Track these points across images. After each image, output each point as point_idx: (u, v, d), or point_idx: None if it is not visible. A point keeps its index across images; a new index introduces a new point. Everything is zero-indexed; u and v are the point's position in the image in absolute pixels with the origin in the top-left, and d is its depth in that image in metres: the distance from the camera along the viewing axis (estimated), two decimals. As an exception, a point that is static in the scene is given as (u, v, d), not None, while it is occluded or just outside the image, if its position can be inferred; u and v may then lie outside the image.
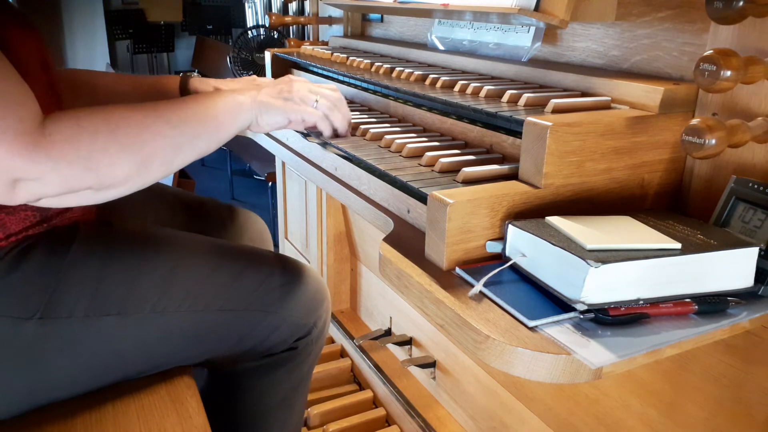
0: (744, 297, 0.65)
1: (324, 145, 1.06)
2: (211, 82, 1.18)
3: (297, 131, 1.15)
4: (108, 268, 0.89)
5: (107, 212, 1.05)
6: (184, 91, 1.19)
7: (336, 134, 1.01)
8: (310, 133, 1.07)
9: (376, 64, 1.25)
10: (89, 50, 6.63)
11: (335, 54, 1.43)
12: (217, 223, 1.30)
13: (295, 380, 1.10)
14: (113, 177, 0.77)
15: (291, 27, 2.53)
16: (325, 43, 1.74)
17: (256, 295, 1.00)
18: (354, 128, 1.08)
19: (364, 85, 1.24)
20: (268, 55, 1.60)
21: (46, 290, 0.84)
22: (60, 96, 0.94)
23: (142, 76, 1.24)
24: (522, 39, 1.11)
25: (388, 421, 1.65)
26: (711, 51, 0.63)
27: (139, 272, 0.91)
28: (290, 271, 1.06)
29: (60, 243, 0.88)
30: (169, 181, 2.38)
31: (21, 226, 0.86)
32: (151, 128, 0.80)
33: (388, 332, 1.81)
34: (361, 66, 1.29)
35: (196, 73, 1.19)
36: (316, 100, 0.97)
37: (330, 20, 1.76)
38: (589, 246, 0.61)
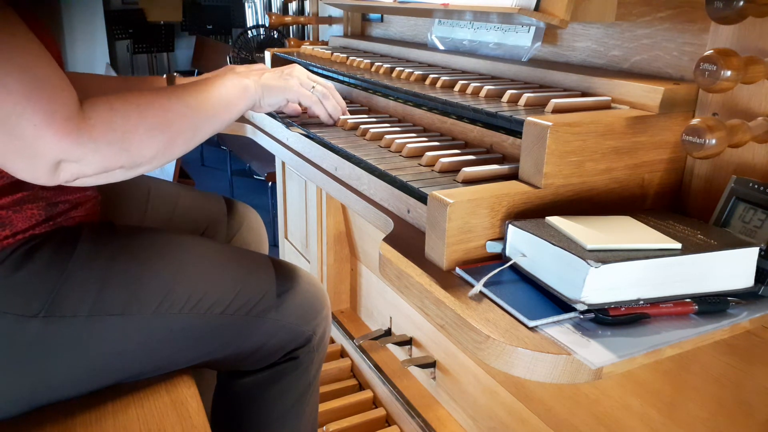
0: (744, 297, 0.65)
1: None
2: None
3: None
4: (113, 270, 0.90)
5: (109, 208, 1.05)
6: None
7: (325, 120, 1.12)
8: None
9: (376, 63, 1.25)
10: (89, 50, 6.63)
11: (335, 54, 1.43)
12: (215, 216, 1.30)
13: (300, 388, 1.11)
14: (142, 156, 0.83)
15: (291, 27, 2.54)
16: (325, 43, 1.74)
17: (257, 302, 1.01)
18: (354, 128, 1.08)
19: (364, 84, 1.24)
20: (268, 55, 1.60)
21: (51, 289, 0.85)
22: None
23: (128, 77, 1.26)
24: (522, 39, 1.11)
25: (388, 421, 1.65)
26: (711, 51, 0.63)
27: (143, 274, 0.92)
28: (290, 279, 1.08)
29: (65, 243, 0.89)
30: (169, 180, 2.38)
31: (27, 224, 0.88)
32: (174, 110, 0.87)
33: (388, 332, 1.81)
34: (361, 66, 1.29)
35: (177, 75, 1.22)
36: (313, 86, 1.06)
37: (330, 20, 1.76)
38: (590, 246, 0.61)
